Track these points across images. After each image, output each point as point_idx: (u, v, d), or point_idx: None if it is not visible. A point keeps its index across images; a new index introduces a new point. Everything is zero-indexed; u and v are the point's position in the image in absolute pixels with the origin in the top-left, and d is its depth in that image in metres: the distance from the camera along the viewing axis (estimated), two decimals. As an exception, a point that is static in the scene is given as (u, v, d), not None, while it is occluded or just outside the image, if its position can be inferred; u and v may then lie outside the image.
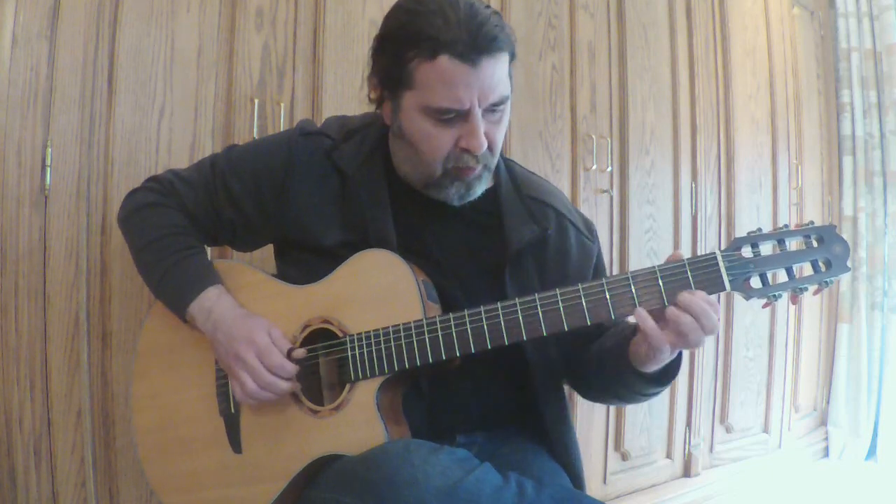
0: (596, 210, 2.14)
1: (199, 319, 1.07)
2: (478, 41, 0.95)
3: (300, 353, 1.03)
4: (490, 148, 1.02)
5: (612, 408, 2.21)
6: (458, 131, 1.00)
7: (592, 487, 2.13)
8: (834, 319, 3.21)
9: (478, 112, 0.99)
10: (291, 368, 1.01)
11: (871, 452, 3.07)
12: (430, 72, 0.97)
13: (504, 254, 1.10)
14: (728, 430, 2.62)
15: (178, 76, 1.44)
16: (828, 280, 0.92)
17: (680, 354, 1.02)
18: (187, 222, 1.14)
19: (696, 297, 0.91)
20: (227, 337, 1.03)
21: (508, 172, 1.18)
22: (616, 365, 1.03)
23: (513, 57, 1.02)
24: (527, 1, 1.99)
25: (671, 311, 0.92)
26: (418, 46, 0.96)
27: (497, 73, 0.98)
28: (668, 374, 1.02)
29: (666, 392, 2.33)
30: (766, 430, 2.80)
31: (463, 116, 0.99)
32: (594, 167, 2.13)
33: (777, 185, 2.82)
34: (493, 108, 1.00)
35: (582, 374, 1.15)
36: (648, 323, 0.93)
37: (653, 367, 0.98)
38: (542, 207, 1.16)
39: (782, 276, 0.93)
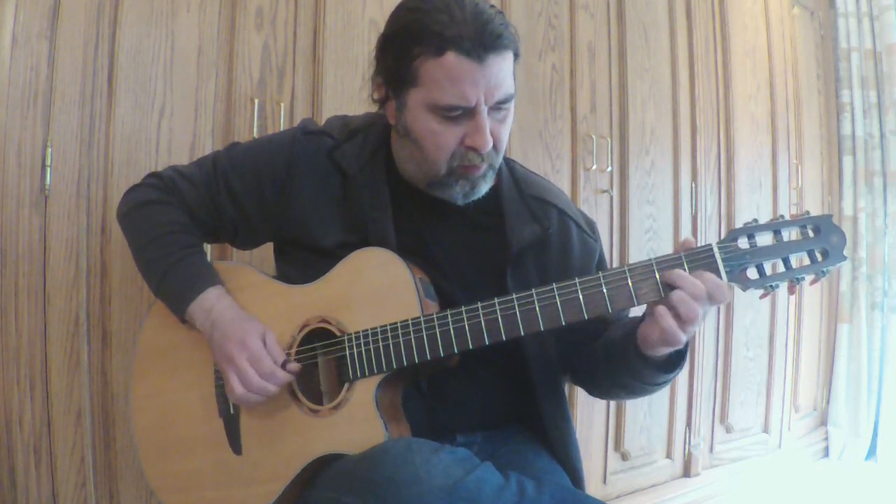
0: (596, 210, 2.14)
1: (198, 319, 1.07)
2: (484, 38, 0.95)
3: (294, 367, 1.03)
4: (495, 146, 1.02)
5: (612, 408, 2.21)
6: (464, 129, 1.00)
7: (592, 487, 2.13)
8: (834, 319, 3.21)
9: (483, 109, 0.99)
10: (282, 376, 1.01)
11: (871, 452, 3.07)
12: (437, 68, 0.97)
13: (505, 254, 1.10)
14: (728, 430, 2.62)
15: (178, 76, 1.44)
16: (825, 269, 0.92)
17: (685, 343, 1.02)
18: (188, 220, 1.14)
19: (698, 283, 0.91)
20: (222, 337, 1.03)
21: (510, 172, 1.18)
22: (625, 353, 1.03)
23: (516, 56, 1.02)
24: (527, 1, 1.99)
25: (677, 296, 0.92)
26: (424, 43, 0.97)
27: (503, 70, 0.98)
28: (674, 362, 1.02)
29: (666, 392, 2.35)
30: (766, 430, 2.80)
31: (469, 114, 0.99)
32: (594, 167, 2.13)
33: (777, 185, 2.83)
34: (498, 107, 1.01)
35: (589, 368, 1.14)
36: (668, 321, 0.92)
37: (662, 353, 0.98)
38: (544, 207, 1.16)
39: (779, 267, 0.93)
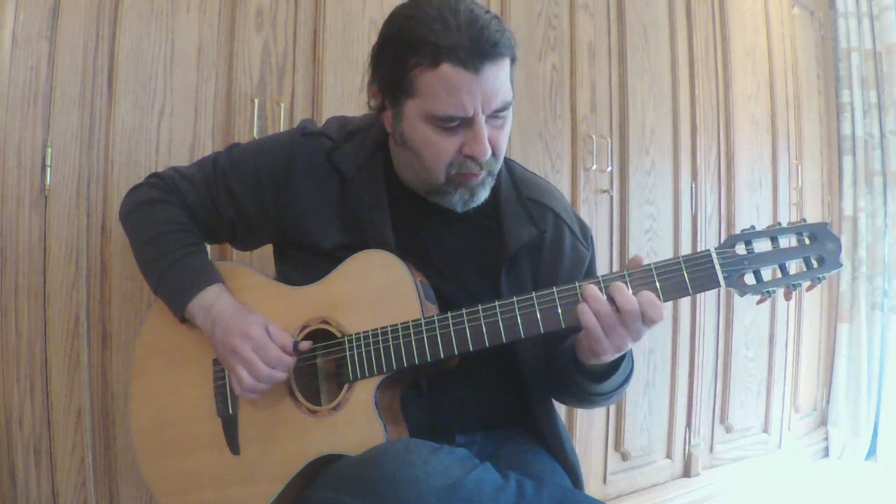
0: (596, 210, 2.14)
1: (198, 317, 1.07)
2: (479, 47, 0.94)
3: (306, 345, 1.04)
4: (494, 153, 1.02)
5: (612, 408, 2.21)
6: (462, 138, 1.00)
7: (592, 487, 2.13)
8: (834, 319, 3.21)
9: (481, 118, 0.98)
10: (289, 360, 1.02)
11: (871, 452, 3.07)
12: (433, 80, 0.96)
13: (502, 254, 1.10)
14: (728, 430, 2.62)
15: (178, 76, 1.44)
16: (820, 276, 0.93)
17: (632, 362, 1.04)
18: (188, 219, 1.14)
19: (629, 297, 0.92)
20: (224, 332, 1.04)
21: (509, 173, 1.18)
22: (570, 360, 1.04)
23: (514, 61, 1.02)
24: (527, 1, 1.99)
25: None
26: (419, 53, 0.96)
27: (499, 78, 0.98)
28: (609, 373, 1.02)
29: (666, 392, 2.35)
30: (766, 430, 2.80)
31: (466, 123, 0.98)
32: (594, 167, 2.13)
33: (777, 185, 2.82)
34: (495, 114, 1.00)
35: (550, 373, 1.15)
36: (586, 313, 0.93)
37: (594, 361, 0.98)
38: (541, 210, 1.15)
39: (777, 273, 0.94)
